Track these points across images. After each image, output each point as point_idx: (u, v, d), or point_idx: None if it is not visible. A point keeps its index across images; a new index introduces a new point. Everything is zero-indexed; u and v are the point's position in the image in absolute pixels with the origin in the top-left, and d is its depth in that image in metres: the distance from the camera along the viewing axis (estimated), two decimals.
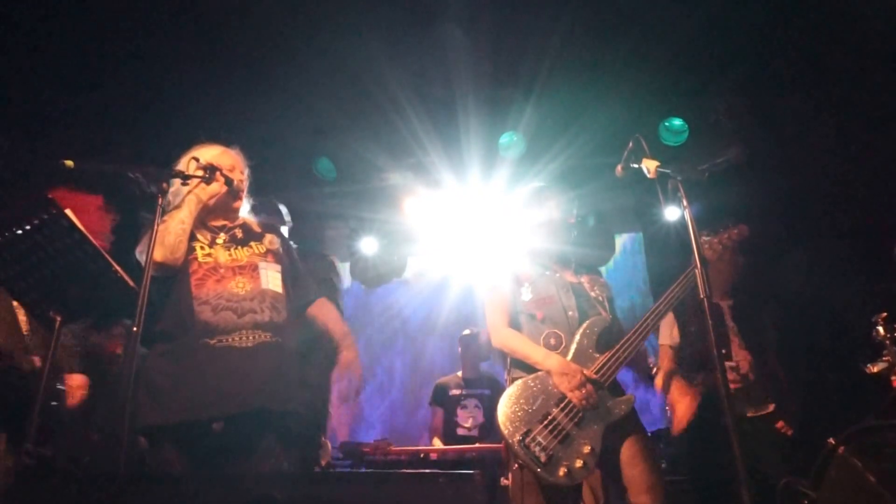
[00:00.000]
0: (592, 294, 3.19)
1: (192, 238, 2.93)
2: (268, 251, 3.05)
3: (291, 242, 3.32)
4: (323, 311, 3.20)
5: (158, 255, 2.69)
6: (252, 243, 3.04)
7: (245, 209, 3.20)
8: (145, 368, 2.77)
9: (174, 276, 2.84)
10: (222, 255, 2.93)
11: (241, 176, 3.14)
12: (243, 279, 2.88)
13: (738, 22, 4.76)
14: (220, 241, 2.99)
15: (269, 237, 3.12)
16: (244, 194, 3.15)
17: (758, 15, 4.72)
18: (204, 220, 3.03)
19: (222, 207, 3.07)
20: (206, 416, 2.66)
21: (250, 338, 2.77)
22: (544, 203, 3.36)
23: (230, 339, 2.74)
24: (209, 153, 3.05)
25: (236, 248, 2.99)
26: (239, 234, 3.07)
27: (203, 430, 2.65)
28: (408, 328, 8.30)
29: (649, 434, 3.11)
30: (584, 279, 3.25)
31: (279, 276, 3.00)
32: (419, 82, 5.27)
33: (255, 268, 2.94)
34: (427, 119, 5.55)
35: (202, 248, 2.93)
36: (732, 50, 5.05)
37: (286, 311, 2.95)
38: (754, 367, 3.97)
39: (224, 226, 3.07)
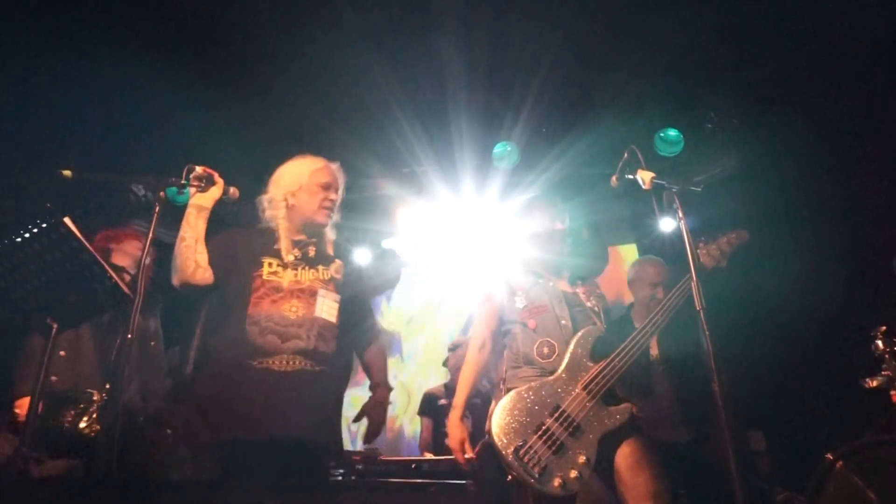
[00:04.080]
0: (588, 304, 3.16)
1: (269, 252, 2.93)
2: (332, 279, 3.00)
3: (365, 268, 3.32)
4: (372, 356, 3.25)
5: (175, 280, 2.81)
6: (320, 266, 3.00)
7: (330, 227, 3.16)
8: (195, 386, 2.82)
9: (239, 292, 2.83)
10: (287, 276, 2.90)
11: (336, 195, 3.13)
12: (298, 304, 2.84)
13: (732, 33, 4.79)
14: (290, 258, 2.95)
15: (337, 264, 3.06)
16: (332, 213, 3.11)
17: (752, 26, 4.75)
18: (288, 228, 3.02)
19: (307, 220, 3.05)
20: (239, 436, 2.64)
21: (290, 363, 2.75)
22: (534, 213, 3.37)
23: (270, 362, 2.72)
24: (311, 165, 3.09)
25: (303, 269, 2.95)
26: (311, 252, 3.02)
27: (237, 450, 2.64)
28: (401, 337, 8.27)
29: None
30: (580, 290, 3.23)
31: (336, 306, 2.96)
32: (413, 91, 5.27)
33: (313, 293, 2.90)
34: (420, 129, 5.56)
35: (270, 265, 2.89)
36: (727, 61, 5.08)
37: (335, 341, 2.92)
38: (678, 396, 3.85)
39: (301, 240, 3.04)
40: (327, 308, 2.92)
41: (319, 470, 2.94)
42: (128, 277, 3.89)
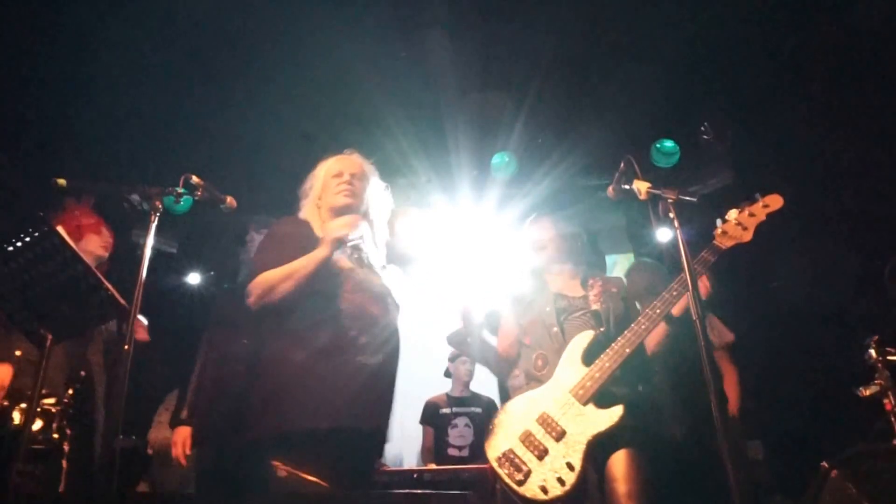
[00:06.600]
0: (593, 307, 3.10)
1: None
2: (390, 292, 3.03)
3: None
4: None
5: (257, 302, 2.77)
6: (383, 274, 3.04)
7: (375, 237, 3.15)
8: (294, 378, 2.66)
9: (326, 283, 2.79)
10: (360, 273, 2.92)
11: (349, 177, 3.11)
12: (377, 307, 2.88)
13: (728, 44, 4.81)
14: (346, 251, 2.94)
15: (391, 275, 3.09)
16: (351, 194, 3.08)
17: (748, 36, 4.77)
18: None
19: (333, 210, 3.04)
20: (331, 427, 2.59)
21: (376, 361, 2.77)
22: (537, 222, 3.40)
23: (362, 360, 2.72)
24: (325, 166, 3.15)
25: (369, 271, 2.98)
26: (365, 259, 3.03)
27: (333, 436, 2.59)
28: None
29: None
30: (593, 290, 3.17)
31: (398, 314, 3.01)
32: (408, 102, 5.29)
33: (385, 299, 2.95)
34: (416, 139, 5.57)
35: (345, 259, 2.88)
36: (723, 72, 5.10)
37: (398, 344, 2.95)
38: (675, 390, 3.67)
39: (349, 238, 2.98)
40: (395, 314, 2.98)
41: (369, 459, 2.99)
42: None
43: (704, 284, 3.03)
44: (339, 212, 3.02)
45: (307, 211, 3.11)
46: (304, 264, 2.73)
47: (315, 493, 2.56)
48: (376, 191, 3.21)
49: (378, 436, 2.79)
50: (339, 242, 2.73)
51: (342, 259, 2.87)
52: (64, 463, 3.12)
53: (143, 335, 3.64)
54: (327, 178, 3.12)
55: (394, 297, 3.03)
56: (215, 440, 3.49)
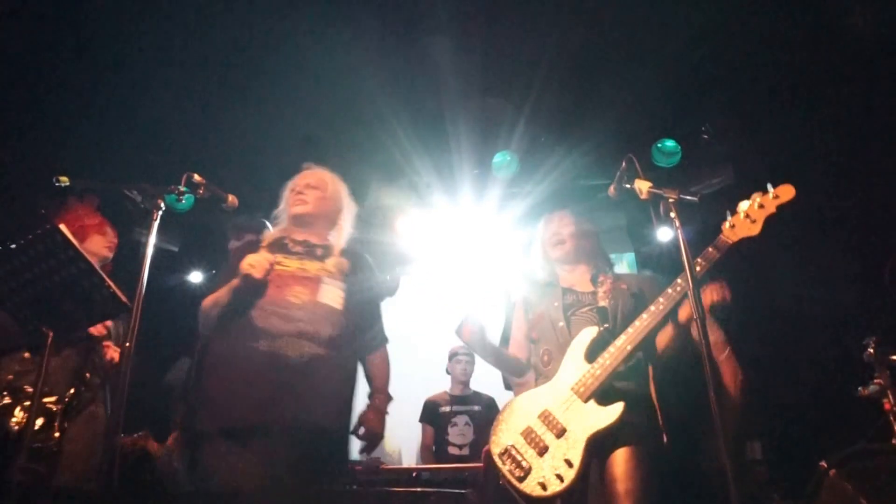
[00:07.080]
0: (601, 303, 3.05)
1: (275, 250, 3.03)
2: (339, 271, 3.07)
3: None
4: (375, 364, 3.24)
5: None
6: (327, 261, 3.08)
7: (338, 236, 3.26)
8: (205, 374, 2.84)
9: (251, 289, 2.89)
10: (293, 265, 2.99)
11: (302, 187, 3.25)
12: (302, 290, 2.90)
13: (729, 43, 4.81)
14: (296, 250, 3.07)
15: (344, 260, 3.13)
16: (304, 203, 3.21)
17: (749, 36, 4.77)
18: (289, 231, 3.19)
19: (292, 218, 3.20)
20: (252, 423, 2.62)
21: (294, 346, 2.76)
22: (557, 216, 3.42)
23: (276, 345, 2.74)
24: (287, 186, 3.31)
25: (310, 261, 3.04)
26: (319, 251, 3.12)
27: (250, 435, 2.61)
28: (399, 344, 8.20)
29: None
30: (602, 288, 3.12)
31: (341, 294, 3.01)
32: (410, 102, 5.30)
33: (318, 281, 2.97)
34: (417, 139, 5.58)
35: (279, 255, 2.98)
36: (723, 71, 5.10)
37: (341, 327, 2.93)
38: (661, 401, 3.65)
39: (306, 241, 3.15)
40: (331, 294, 2.96)
41: (332, 456, 2.89)
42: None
43: (720, 292, 2.96)
44: (294, 220, 3.22)
45: (276, 229, 3.29)
46: (224, 292, 2.92)
47: (315, 490, 2.58)
48: (337, 193, 3.33)
49: (309, 432, 2.71)
50: (247, 278, 2.81)
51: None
52: (61, 461, 3.12)
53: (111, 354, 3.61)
54: (288, 193, 3.31)
55: (336, 282, 3.03)
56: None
